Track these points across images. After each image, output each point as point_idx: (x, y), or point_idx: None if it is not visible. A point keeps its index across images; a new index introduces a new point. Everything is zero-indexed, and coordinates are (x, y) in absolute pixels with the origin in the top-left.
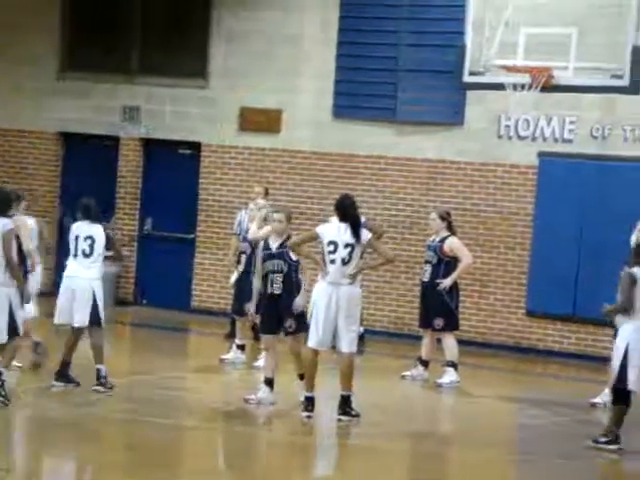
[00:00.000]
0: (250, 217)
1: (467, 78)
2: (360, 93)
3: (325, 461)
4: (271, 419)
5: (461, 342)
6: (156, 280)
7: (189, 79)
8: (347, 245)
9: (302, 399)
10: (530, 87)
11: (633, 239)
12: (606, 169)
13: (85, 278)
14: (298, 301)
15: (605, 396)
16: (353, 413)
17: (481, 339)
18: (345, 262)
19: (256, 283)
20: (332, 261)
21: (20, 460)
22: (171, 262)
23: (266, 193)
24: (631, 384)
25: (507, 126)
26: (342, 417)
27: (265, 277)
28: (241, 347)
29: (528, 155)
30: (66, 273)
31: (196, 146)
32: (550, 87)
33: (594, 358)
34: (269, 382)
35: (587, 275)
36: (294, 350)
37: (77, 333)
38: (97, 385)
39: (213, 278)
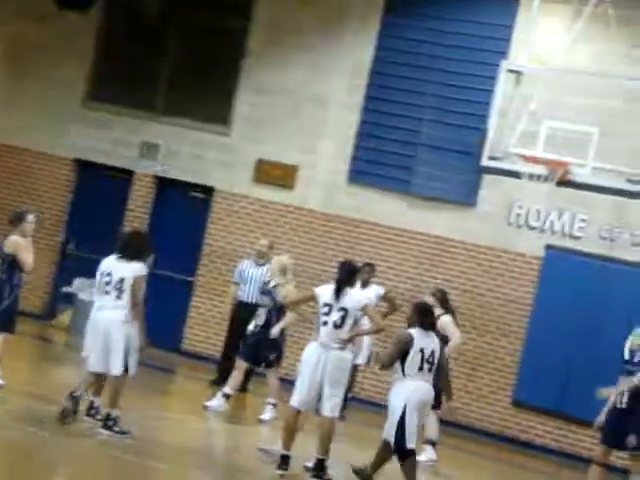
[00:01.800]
0: (271, 270)
1: (485, 162)
2: (378, 161)
3: None
4: (244, 471)
5: (443, 422)
6: (149, 318)
7: (211, 124)
8: (341, 309)
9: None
10: (546, 179)
11: (628, 344)
12: (610, 271)
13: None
14: None
15: None
16: (325, 477)
17: (464, 422)
18: (337, 326)
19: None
20: (324, 323)
21: None
22: (167, 302)
23: (271, 247)
24: (407, 442)
25: (518, 214)
26: None
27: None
28: (227, 396)
29: (535, 245)
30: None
31: (209, 191)
32: (565, 182)
33: (574, 457)
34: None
35: (578, 373)
36: None
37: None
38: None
39: (207, 323)
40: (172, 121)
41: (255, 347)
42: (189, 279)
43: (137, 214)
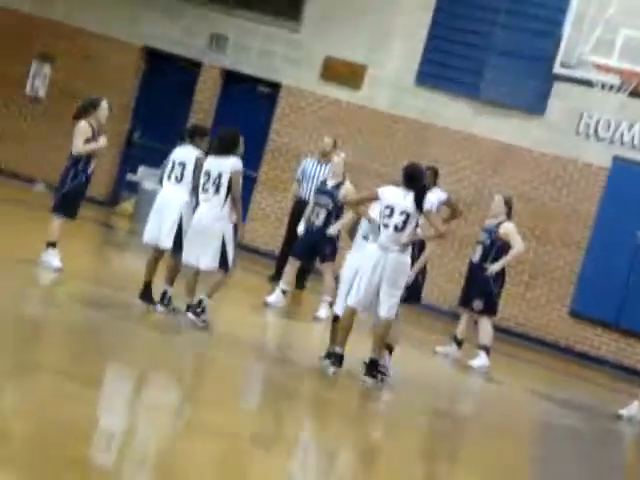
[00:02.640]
0: (334, 170)
1: (557, 69)
2: (447, 64)
3: (335, 416)
4: (296, 366)
5: (499, 329)
6: None
7: (281, 20)
8: (403, 212)
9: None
10: (618, 89)
11: None
12: None
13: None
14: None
15: (633, 409)
16: (379, 377)
17: (520, 330)
18: (398, 229)
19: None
20: (385, 225)
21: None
22: None
23: (334, 145)
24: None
25: (587, 124)
26: (367, 379)
27: None
28: (284, 292)
29: (603, 156)
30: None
31: (275, 86)
32: (638, 93)
33: (630, 370)
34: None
35: (636, 287)
36: None
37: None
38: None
39: (267, 219)
40: (242, 14)
41: (311, 246)
42: (252, 174)
43: (203, 106)
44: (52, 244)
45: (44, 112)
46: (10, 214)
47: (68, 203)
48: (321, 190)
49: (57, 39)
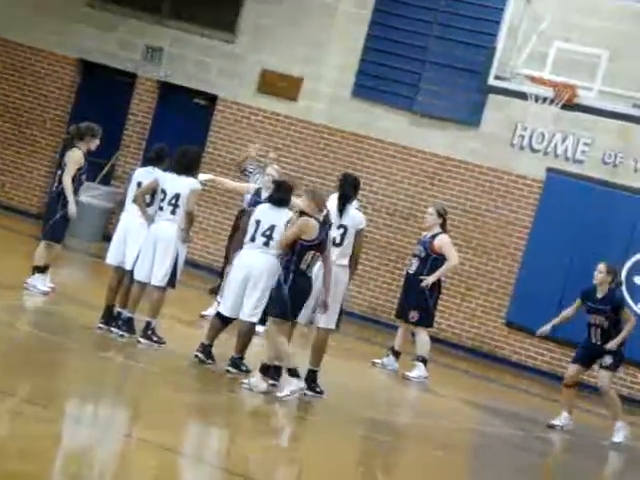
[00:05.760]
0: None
1: (491, 81)
2: (383, 76)
3: (276, 429)
4: (235, 381)
5: (436, 340)
6: None
7: (217, 31)
8: (340, 226)
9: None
10: (552, 101)
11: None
12: (611, 196)
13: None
14: None
15: (564, 419)
16: (317, 389)
17: (456, 340)
18: (337, 243)
19: None
20: None
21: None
22: None
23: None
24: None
25: (522, 136)
26: (306, 392)
27: None
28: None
29: (537, 168)
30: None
31: (212, 99)
32: (571, 105)
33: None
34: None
35: (571, 297)
36: None
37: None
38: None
39: (205, 232)
40: (177, 25)
41: None
42: None
43: (139, 118)
44: (41, 269)
45: None
46: None
47: (58, 229)
48: (258, 202)
49: None
